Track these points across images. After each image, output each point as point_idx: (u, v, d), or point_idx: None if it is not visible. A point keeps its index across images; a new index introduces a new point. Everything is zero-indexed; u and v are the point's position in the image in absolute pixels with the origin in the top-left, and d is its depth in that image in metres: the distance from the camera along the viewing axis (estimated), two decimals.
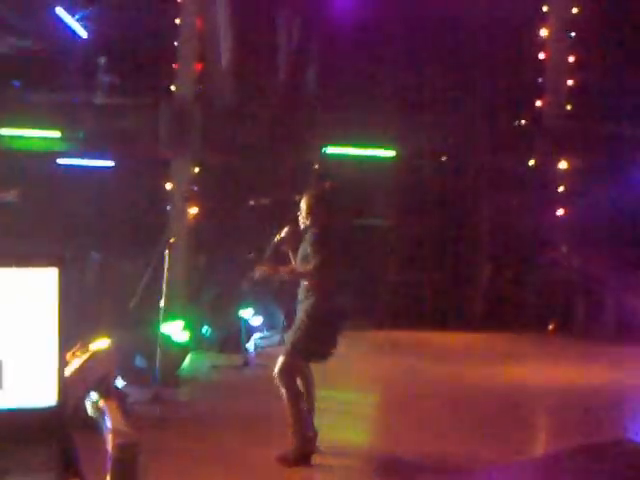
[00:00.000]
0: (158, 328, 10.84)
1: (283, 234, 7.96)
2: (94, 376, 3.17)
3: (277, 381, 7.72)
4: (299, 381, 7.82)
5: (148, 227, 15.41)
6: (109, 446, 2.96)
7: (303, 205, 7.86)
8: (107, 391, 3.16)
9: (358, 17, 15.35)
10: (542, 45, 17.14)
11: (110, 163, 16.78)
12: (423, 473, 7.54)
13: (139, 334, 10.49)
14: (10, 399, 2.97)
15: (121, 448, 2.92)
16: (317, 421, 7.82)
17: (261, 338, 13.73)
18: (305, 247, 7.73)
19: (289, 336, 7.99)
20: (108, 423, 3.01)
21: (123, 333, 10.18)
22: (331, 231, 7.96)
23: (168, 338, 10.81)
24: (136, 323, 10.81)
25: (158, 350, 9.65)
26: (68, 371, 3.06)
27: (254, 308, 13.18)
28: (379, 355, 13.47)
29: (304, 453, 7.62)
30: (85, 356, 3.19)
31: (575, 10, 16.86)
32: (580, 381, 11.69)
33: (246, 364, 11.63)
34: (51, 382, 3.01)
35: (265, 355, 12.55)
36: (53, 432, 3.02)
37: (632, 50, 16.04)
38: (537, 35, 17.11)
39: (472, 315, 16.38)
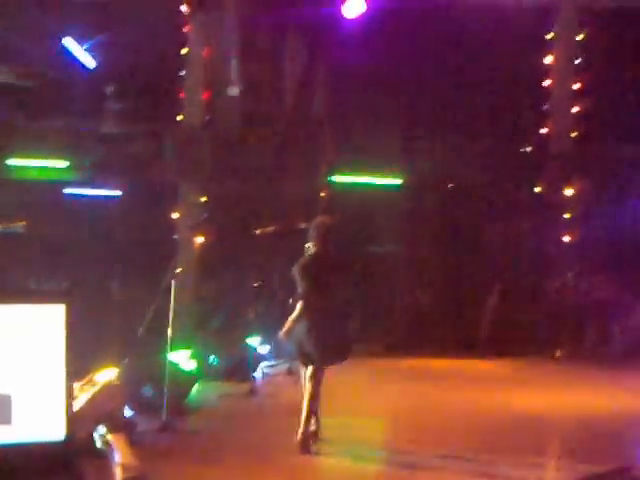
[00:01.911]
0: (166, 357, 10.87)
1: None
2: (103, 409, 3.18)
3: (306, 380, 9.07)
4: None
5: (155, 256, 15.45)
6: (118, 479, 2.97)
7: (311, 232, 9.12)
8: (115, 425, 3.16)
9: (364, 44, 15.40)
10: (547, 72, 17.20)
11: (117, 192, 16.84)
12: None
13: (147, 363, 10.48)
14: (19, 433, 2.99)
15: None
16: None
17: (269, 366, 13.71)
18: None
19: (308, 349, 9.02)
20: (116, 457, 3.02)
21: (131, 362, 10.20)
22: (324, 260, 9.10)
23: (176, 367, 10.81)
24: (144, 352, 10.81)
25: (166, 379, 9.65)
26: (77, 405, 3.07)
27: (261, 336, 13.18)
28: (386, 383, 13.40)
29: (307, 439, 8.93)
30: (94, 389, 3.20)
31: (580, 37, 16.93)
32: (589, 407, 11.64)
33: (253, 393, 11.59)
34: (59, 416, 3.03)
35: (273, 384, 12.54)
36: (62, 465, 3.03)
37: (636, 75, 16.10)
38: (542, 62, 17.17)
39: (479, 341, 16.35)
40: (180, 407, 10.36)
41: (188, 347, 11.90)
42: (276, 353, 14.19)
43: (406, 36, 16.33)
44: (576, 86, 16.94)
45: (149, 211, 15.97)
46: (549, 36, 17.21)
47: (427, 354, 15.57)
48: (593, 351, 15.95)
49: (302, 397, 9.03)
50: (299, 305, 9.01)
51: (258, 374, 12.82)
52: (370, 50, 15.56)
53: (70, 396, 3.03)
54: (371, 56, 15.73)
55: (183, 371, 10.96)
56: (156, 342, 11.25)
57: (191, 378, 11.16)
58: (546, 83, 17.21)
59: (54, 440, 3.02)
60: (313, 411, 9.11)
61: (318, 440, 9.15)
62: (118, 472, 3.00)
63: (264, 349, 13.77)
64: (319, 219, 9.58)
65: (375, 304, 16.18)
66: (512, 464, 8.49)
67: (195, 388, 11.26)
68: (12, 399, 3.00)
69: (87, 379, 2.99)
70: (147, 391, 10.25)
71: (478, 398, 12.19)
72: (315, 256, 9.12)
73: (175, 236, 15.93)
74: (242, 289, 12.13)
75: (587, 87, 16.86)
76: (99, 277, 15.47)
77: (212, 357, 12.71)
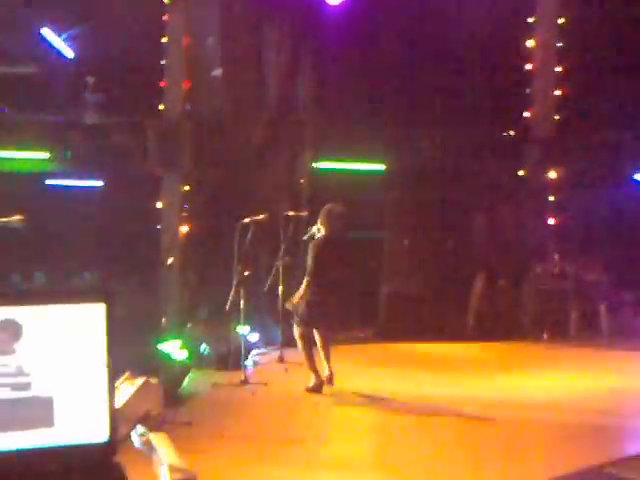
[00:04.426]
0: (157, 347, 10.83)
1: (309, 234, 11.25)
2: (141, 408, 3.14)
3: (296, 338, 11.22)
4: (317, 341, 11.07)
5: (139, 247, 15.40)
6: None
7: (321, 218, 11.10)
8: (155, 424, 3.13)
9: (347, 30, 15.35)
10: (529, 56, 17.22)
11: (99, 183, 16.74)
12: None
13: (137, 354, 10.43)
14: (62, 436, 2.95)
15: None
16: None
17: (259, 354, 13.70)
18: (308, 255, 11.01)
19: (298, 311, 11.08)
20: (163, 458, 2.99)
21: (121, 353, 10.14)
22: (332, 242, 11.01)
23: (168, 357, 10.78)
24: (133, 343, 10.74)
25: (160, 369, 9.61)
26: (116, 404, 3.04)
27: (251, 324, 13.16)
28: (377, 367, 13.44)
29: (319, 384, 11.06)
30: (131, 388, 3.16)
31: (561, 20, 16.96)
32: (574, 391, 11.74)
33: (246, 381, 11.57)
34: (102, 417, 2.99)
35: (264, 372, 12.53)
36: (105, 468, 3.00)
37: (619, 58, 16.15)
38: (524, 46, 17.19)
39: (466, 325, 16.40)
40: (173, 398, 10.30)
41: (178, 337, 11.85)
42: (266, 341, 14.20)
43: (388, 22, 16.32)
44: (558, 69, 16.95)
45: (132, 201, 15.86)
46: (531, 19, 17.20)
47: (414, 339, 15.60)
48: (579, 333, 16.06)
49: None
50: (306, 279, 10.94)
51: (249, 362, 12.80)
52: (353, 35, 15.52)
53: (112, 396, 2.99)
54: (355, 41, 15.70)
55: (175, 361, 10.92)
56: (146, 332, 11.22)
57: (183, 368, 11.12)
58: (528, 67, 17.21)
59: (97, 442, 2.98)
60: (312, 357, 11.07)
61: (332, 384, 11.04)
62: (165, 473, 2.96)
63: (254, 337, 13.77)
64: (329, 206, 11.19)
65: (361, 290, 16.17)
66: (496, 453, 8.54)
67: (187, 378, 11.22)
68: (54, 401, 2.96)
69: (124, 378, 2.95)
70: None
71: (464, 381, 12.26)
72: (326, 238, 11.00)
73: (158, 226, 15.84)
74: (230, 278, 12.04)
75: (569, 71, 16.89)
76: (83, 268, 15.39)
77: (203, 346, 12.66)
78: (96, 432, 3.00)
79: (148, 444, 3.11)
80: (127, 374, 2.94)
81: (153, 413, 3.04)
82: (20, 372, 2.94)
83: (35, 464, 2.94)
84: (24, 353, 2.95)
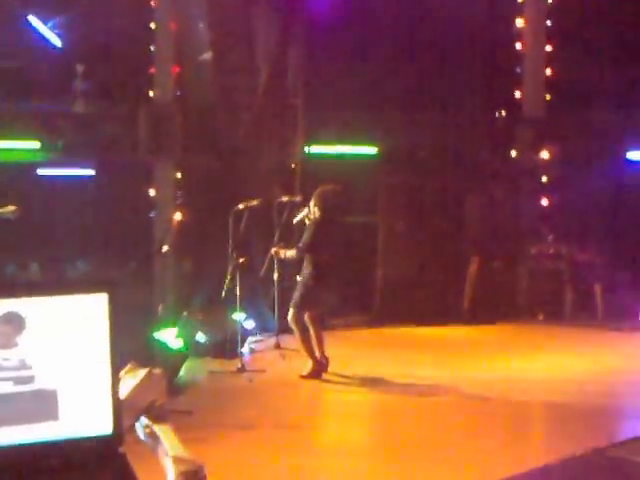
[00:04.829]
0: (153, 336, 10.79)
1: (300, 217, 11.53)
2: (145, 399, 3.10)
3: (290, 324, 11.22)
4: (310, 327, 11.08)
5: (132, 235, 15.34)
6: (170, 473, 2.91)
7: (314, 200, 11.10)
8: (159, 416, 3.09)
9: (339, 12, 15.26)
10: (519, 35, 17.17)
11: (91, 172, 16.66)
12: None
13: (134, 343, 10.37)
14: (66, 429, 2.91)
15: (186, 476, 2.87)
16: None
17: (255, 342, 13.66)
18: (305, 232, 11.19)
19: (295, 294, 11.24)
20: (168, 450, 2.95)
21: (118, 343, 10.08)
22: (330, 223, 11.14)
23: (164, 346, 10.74)
24: (129, 332, 10.68)
25: (156, 359, 9.56)
26: (119, 396, 3.00)
27: (246, 311, 13.12)
28: (374, 351, 13.42)
29: (317, 370, 11.03)
30: (134, 379, 3.13)
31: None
32: (570, 372, 11.76)
33: (243, 369, 11.54)
34: (106, 410, 2.95)
35: (260, 359, 12.50)
36: (110, 460, 2.96)
37: (610, 38, 16.11)
38: (513, 25, 17.14)
39: (461, 308, 16.38)
40: (171, 387, 10.26)
41: (174, 325, 11.81)
42: (262, 328, 14.16)
43: (378, 4, 16.23)
44: (548, 48, 16.90)
45: (124, 189, 15.80)
46: None
47: (410, 323, 15.58)
48: (575, 314, 16.07)
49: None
50: (307, 259, 11.14)
51: (246, 350, 12.76)
52: (344, 20, 15.42)
53: (116, 388, 2.96)
54: (347, 24, 15.60)
55: (171, 350, 10.88)
56: (142, 321, 11.17)
57: (180, 357, 11.07)
58: (518, 46, 17.16)
59: (101, 434, 2.94)
60: (310, 342, 11.08)
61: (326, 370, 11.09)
62: (170, 465, 2.92)
63: (250, 324, 13.73)
64: (323, 188, 11.30)
65: (355, 275, 16.14)
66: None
67: (184, 367, 11.18)
68: (58, 394, 2.91)
69: (126, 369, 2.92)
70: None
71: (461, 364, 12.25)
72: (321, 219, 11.05)
73: (152, 214, 15.79)
74: (225, 265, 12.00)
75: (558, 51, 16.84)
76: (76, 256, 15.35)
77: (199, 335, 12.62)
78: (100, 424, 2.96)
79: (152, 436, 3.07)
80: (130, 365, 2.91)
81: (157, 404, 2.99)
82: (23, 365, 2.90)
83: (39, 458, 2.90)
84: (27, 346, 2.91)
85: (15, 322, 2.86)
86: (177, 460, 2.92)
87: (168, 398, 8.66)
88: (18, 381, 2.89)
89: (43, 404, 2.90)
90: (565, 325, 15.55)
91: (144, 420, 3.12)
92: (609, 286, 16.03)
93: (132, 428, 3.11)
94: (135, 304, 11.59)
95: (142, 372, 3.19)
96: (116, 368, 3.02)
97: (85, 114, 16.12)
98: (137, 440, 3.16)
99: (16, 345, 2.88)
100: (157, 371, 3.22)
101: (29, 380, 2.90)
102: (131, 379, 3.14)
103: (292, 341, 12.01)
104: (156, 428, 3.07)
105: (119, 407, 2.97)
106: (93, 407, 2.94)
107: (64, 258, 15.23)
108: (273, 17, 15.78)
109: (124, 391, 3.08)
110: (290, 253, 11.52)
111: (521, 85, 17.20)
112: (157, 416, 3.13)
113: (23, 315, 2.87)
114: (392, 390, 10.73)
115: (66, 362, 2.92)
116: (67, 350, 2.92)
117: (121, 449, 2.99)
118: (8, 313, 2.85)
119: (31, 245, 14.56)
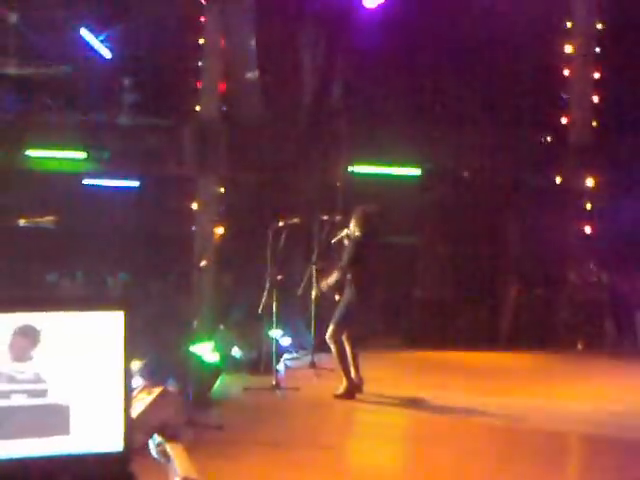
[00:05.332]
0: (189, 350, 10.81)
1: (339, 237, 11.47)
2: (158, 417, 3.11)
3: (329, 341, 11.13)
4: (347, 346, 11.04)
5: (173, 248, 15.45)
6: None
7: (354, 220, 11.18)
8: (172, 434, 3.09)
9: (383, 32, 15.27)
10: (567, 61, 17.08)
11: (135, 183, 16.81)
12: None
13: (169, 356, 10.41)
14: (77, 444, 2.93)
15: None
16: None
17: (291, 359, 13.66)
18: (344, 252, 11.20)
19: (336, 312, 11.21)
20: (178, 469, 2.96)
21: (153, 356, 10.13)
22: (369, 244, 11.16)
23: (200, 360, 10.76)
24: (166, 344, 10.74)
25: (190, 373, 9.59)
26: (133, 413, 3.01)
27: (283, 328, 13.12)
28: (408, 375, 13.34)
29: (351, 391, 10.99)
30: (149, 397, 3.14)
31: (599, 26, 16.82)
32: (610, 402, 11.57)
33: (277, 386, 11.52)
34: (118, 426, 2.97)
35: (295, 376, 12.47)
36: (120, 477, 2.97)
37: None
38: (561, 51, 17.06)
39: (500, 334, 16.24)
40: (204, 401, 10.29)
41: (211, 339, 11.85)
42: (298, 345, 14.14)
43: (425, 24, 16.20)
44: (596, 75, 16.80)
45: (167, 202, 15.93)
46: (569, 24, 17.06)
47: (446, 347, 15.46)
48: (614, 344, 15.86)
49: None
50: (349, 278, 11.12)
51: (281, 367, 12.75)
52: (389, 39, 15.42)
53: (129, 405, 2.96)
54: (390, 45, 15.60)
55: (206, 364, 10.89)
56: (178, 334, 11.22)
57: (215, 371, 11.09)
58: (566, 72, 17.07)
59: (112, 451, 2.95)
60: (347, 362, 11.03)
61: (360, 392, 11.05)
62: None
63: (286, 341, 13.73)
64: (363, 208, 11.33)
65: (393, 296, 16.09)
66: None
67: (219, 381, 11.19)
68: (70, 409, 2.93)
69: (142, 386, 2.93)
70: (171, 384, 10.18)
71: (496, 390, 12.11)
72: (362, 238, 11.10)
73: (193, 228, 15.89)
74: (263, 281, 12.01)
75: (606, 77, 16.73)
76: (118, 268, 15.46)
77: (235, 349, 12.64)
78: (111, 441, 2.97)
79: (164, 454, 3.07)
80: (145, 383, 2.92)
81: (171, 423, 3.00)
82: (37, 379, 2.93)
83: (50, 472, 2.92)
84: (41, 360, 2.93)
85: (31, 335, 2.88)
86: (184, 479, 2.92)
87: (201, 412, 8.69)
88: (32, 394, 2.91)
89: (55, 418, 2.92)
90: (605, 355, 15.35)
91: (157, 438, 3.13)
92: None
93: (145, 445, 3.11)
94: (173, 316, 11.67)
95: (157, 390, 3.19)
96: (129, 385, 3.04)
97: (131, 126, 16.27)
98: (150, 458, 3.17)
99: (31, 358, 2.91)
100: (172, 389, 3.22)
101: (42, 394, 2.92)
102: (145, 397, 3.15)
103: (328, 360, 11.98)
104: (168, 447, 3.08)
105: (131, 425, 2.98)
106: (105, 423, 2.96)
107: (105, 269, 15.34)
108: (319, 36, 15.83)
109: (138, 408, 3.09)
110: (330, 279, 11.52)
111: (568, 111, 17.09)
112: (170, 435, 3.13)
113: (39, 329, 2.89)
114: (425, 414, 10.67)
115: (80, 377, 2.94)
116: (81, 365, 2.94)
117: (131, 467, 3.00)
118: (24, 326, 2.88)
119: (73, 255, 14.70)
